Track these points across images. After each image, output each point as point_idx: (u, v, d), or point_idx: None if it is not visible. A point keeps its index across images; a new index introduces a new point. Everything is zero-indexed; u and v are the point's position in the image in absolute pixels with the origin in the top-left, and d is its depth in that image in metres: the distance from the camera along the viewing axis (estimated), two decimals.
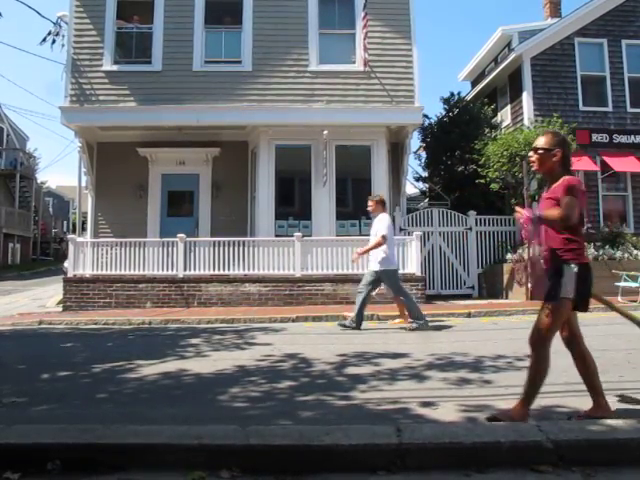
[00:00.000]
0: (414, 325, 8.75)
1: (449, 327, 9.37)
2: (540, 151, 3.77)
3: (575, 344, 3.84)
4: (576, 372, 5.40)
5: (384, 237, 8.85)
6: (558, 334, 3.85)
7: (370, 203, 9.42)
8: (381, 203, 9.34)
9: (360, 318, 8.86)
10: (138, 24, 14.36)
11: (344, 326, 8.89)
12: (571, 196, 3.55)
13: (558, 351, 6.36)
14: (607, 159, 15.08)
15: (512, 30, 18.07)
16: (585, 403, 4.15)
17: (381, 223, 9.06)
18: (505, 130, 16.35)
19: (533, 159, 3.85)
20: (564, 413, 3.96)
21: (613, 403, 4.06)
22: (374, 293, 9.47)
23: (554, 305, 3.67)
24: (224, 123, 13.87)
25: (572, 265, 3.63)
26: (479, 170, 14.55)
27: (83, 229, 17.99)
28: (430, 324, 9.01)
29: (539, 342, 3.68)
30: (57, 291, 14.84)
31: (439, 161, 16.96)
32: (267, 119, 13.56)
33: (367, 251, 9.29)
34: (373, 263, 9.11)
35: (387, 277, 9.02)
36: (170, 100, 13.53)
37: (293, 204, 14.48)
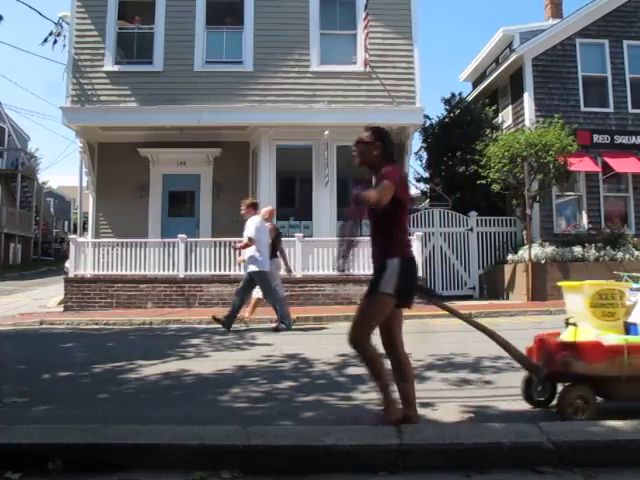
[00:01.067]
0: (282, 326, 8.99)
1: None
2: (361, 144, 3.77)
3: (393, 351, 3.66)
4: None
5: (250, 239, 9.10)
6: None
7: (242, 207, 9.67)
8: (252, 206, 9.60)
9: (232, 319, 9.13)
10: (139, 24, 14.37)
11: (219, 321, 9.13)
12: (389, 180, 3.43)
13: None
14: (608, 160, 15.06)
15: (513, 31, 18.03)
16: None
17: (249, 226, 9.29)
18: (506, 131, 16.32)
19: (355, 152, 3.83)
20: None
21: None
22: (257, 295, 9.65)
23: (373, 298, 3.57)
24: (225, 123, 13.86)
25: (395, 260, 3.54)
26: (480, 171, 14.53)
27: (84, 229, 18.02)
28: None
29: (358, 340, 3.51)
30: (58, 291, 14.84)
31: (440, 162, 16.94)
32: (268, 119, 13.55)
33: (238, 250, 9.80)
34: (248, 265, 9.36)
35: (258, 278, 9.20)
36: (171, 100, 13.53)
37: (294, 204, 14.48)
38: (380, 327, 3.63)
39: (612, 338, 3.94)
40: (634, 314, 4.11)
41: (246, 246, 9.19)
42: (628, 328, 4.10)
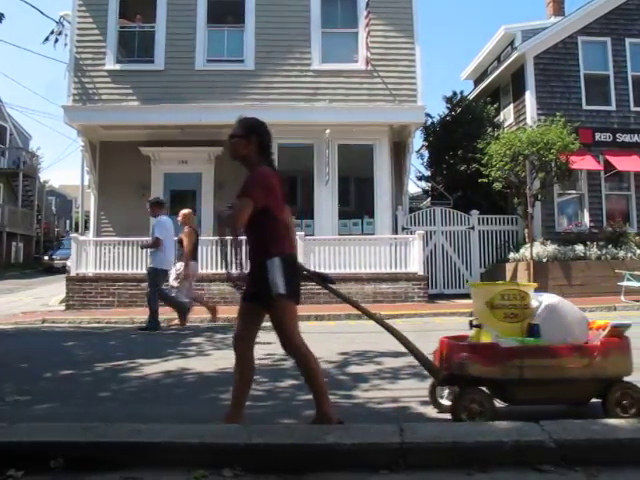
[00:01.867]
0: (144, 326, 9.27)
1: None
2: (234, 138, 3.59)
3: (243, 346, 3.60)
4: None
5: (157, 239, 9.23)
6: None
7: (147, 206, 9.79)
8: (157, 205, 9.67)
9: (154, 321, 9.28)
10: (141, 23, 14.38)
11: (143, 329, 9.24)
12: (245, 199, 3.34)
13: None
14: (610, 158, 15.04)
15: (515, 29, 18.01)
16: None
17: (156, 225, 9.43)
18: (508, 129, 16.30)
19: (230, 147, 3.65)
20: (565, 412, 3.94)
21: None
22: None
23: (274, 307, 3.44)
24: (227, 122, 13.71)
25: (275, 260, 3.39)
26: (482, 169, 14.52)
27: (86, 228, 17.99)
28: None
29: (290, 346, 3.47)
30: (60, 290, 14.86)
31: (442, 160, 16.93)
32: (269, 118, 13.22)
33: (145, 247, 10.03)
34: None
35: (151, 275, 9.38)
36: (172, 99, 13.52)
37: (295, 203, 14.46)
38: (241, 319, 3.61)
39: (509, 340, 3.83)
40: (537, 316, 3.95)
41: (152, 245, 9.36)
42: (531, 330, 3.95)
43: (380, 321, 3.90)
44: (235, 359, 3.64)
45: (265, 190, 3.38)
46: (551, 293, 4.24)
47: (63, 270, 24.18)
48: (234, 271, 3.53)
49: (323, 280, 3.89)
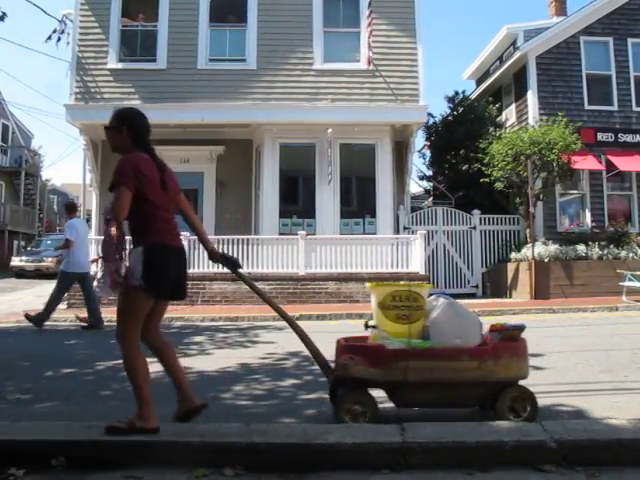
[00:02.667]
0: (36, 325, 9.34)
1: None
2: (109, 130, 3.52)
3: (147, 342, 3.53)
4: (580, 371, 5.41)
5: (67, 240, 9.26)
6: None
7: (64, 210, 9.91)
8: (69, 208, 9.91)
9: (44, 317, 9.42)
10: (143, 22, 14.38)
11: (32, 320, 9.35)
12: (120, 187, 3.25)
13: (563, 351, 6.37)
14: (612, 158, 15.02)
15: (517, 29, 17.98)
16: (590, 402, 4.15)
17: (67, 227, 9.48)
18: (510, 129, 16.30)
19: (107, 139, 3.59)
20: (567, 412, 3.95)
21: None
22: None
23: (123, 292, 3.36)
24: (228, 121, 13.87)
25: (138, 249, 3.32)
26: (483, 169, 14.51)
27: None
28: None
29: (120, 337, 3.35)
30: None
31: (443, 160, 16.92)
32: (272, 117, 13.55)
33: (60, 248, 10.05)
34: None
35: (59, 277, 9.45)
36: (175, 98, 13.53)
37: (297, 202, 14.48)
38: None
39: (395, 342, 3.76)
40: (428, 317, 3.89)
41: (63, 247, 9.46)
42: (428, 331, 3.91)
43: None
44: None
45: (133, 175, 3.29)
46: (446, 295, 4.10)
47: (42, 274, 22.33)
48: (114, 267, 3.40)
49: (232, 265, 3.82)
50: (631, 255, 13.72)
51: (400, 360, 3.64)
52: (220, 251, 3.81)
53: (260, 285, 12.84)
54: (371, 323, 4.07)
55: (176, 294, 3.53)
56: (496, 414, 3.61)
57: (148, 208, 3.33)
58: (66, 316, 11.02)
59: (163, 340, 3.61)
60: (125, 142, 3.44)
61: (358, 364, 3.66)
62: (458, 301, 4.03)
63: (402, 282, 4.20)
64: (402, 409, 3.84)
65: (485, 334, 3.91)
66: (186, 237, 12.80)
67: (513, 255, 14.24)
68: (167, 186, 3.43)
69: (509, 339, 3.76)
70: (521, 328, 3.81)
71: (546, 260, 13.41)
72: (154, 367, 5.93)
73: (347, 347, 3.81)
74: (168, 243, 3.39)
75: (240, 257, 12.84)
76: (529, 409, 3.61)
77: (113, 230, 3.42)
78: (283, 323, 9.32)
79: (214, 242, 14.04)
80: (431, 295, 4.10)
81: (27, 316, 9.44)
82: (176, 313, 10.92)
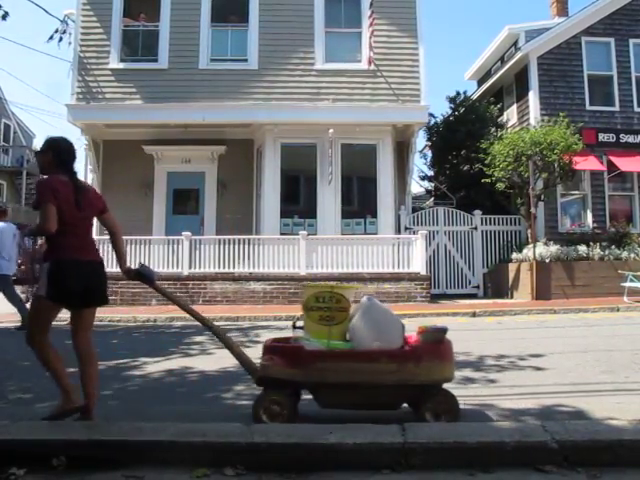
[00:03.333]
0: (18, 325, 9.20)
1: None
2: (37, 154, 3.99)
3: (75, 345, 3.97)
4: (581, 372, 5.41)
5: None
6: None
7: None
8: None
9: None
10: (145, 22, 14.39)
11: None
12: (44, 204, 3.61)
13: (564, 352, 6.37)
14: (614, 159, 15.01)
15: (519, 29, 17.98)
16: (591, 403, 4.15)
17: None
18: (511, 129, 16.29)
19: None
20: (568, 413, 3.95)
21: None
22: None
23: (33, 300, 3.96)
24: (230, 121, 13.88)
25: (45, 264, 3.73)
26: (485, 169, 14.50)
27: None
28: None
29: (29, 340, 3.81)
30: None
31: (445, 160, 16.91)
32: (273, 117, 13.56)
33: None
34: None
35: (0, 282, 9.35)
36: (176, 98, 13.55)
37: (298, 202, 14.48)
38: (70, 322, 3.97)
39: (314, 343, 3.77)
40: (353, 320, 3.85)
41: None
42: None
43: (207, 324, 4.16)
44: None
45: (51, 193, 3.66)
46: (370, 297, 4.03)
47: None
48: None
49: (148, 280, 4.10)
50: (632, 256, 13.70)
51: (318, 361, 3.67)
52: (135, 267, 4.10)
53: (261, 285, 12.92)
54: (299, 324, 4.08)
55: (91, 302, 3.96)
56: (417, 417, 3.59)
57: (60, 225, 3.65)
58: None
59: (88, 348, 3.96)
60: (49, 165, 3.86)
61: (277, 365, 3.70)
62: (380, 303, 3.96)
63: (331, 283, 4.21)
64: (327, 411, 3.82)
65: (415, 336, 3.88)
66: (188, 237, 12.85)
67: (514, 255, 14.23)
68: (82, 206, 3.79)
69: (432, 341, 3.74)
70: (444, 330, 3.79)
71: (547, 261, 13.40)
72: (156, 367, 5.95)
73: (269, 347, 3.85)
74: (76, 258, 3.74)
75: (241, 257, 12.86)
76: (451, 413, 3.59)
77: (41, 242, 3.88)
78: (284, 323, 9.36)
79: (215, 242, 14.09)
80: (363, 297, 4.05)
81: (19, 329, 9.27)
82: (177, 313, 10.92)
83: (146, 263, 12.69)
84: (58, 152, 3.89)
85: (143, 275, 4.03)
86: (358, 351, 3.73)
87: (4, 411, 4.19)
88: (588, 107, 15.52)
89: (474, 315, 10.75)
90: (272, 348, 3.84)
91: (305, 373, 3.65)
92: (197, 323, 4.29)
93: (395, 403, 3.78)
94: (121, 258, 4.13)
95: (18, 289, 10.23)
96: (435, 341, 3.74)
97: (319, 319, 3.87)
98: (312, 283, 4.14)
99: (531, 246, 13.47)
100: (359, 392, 3.67)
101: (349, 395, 3.69)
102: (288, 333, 8.47)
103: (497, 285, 14.72)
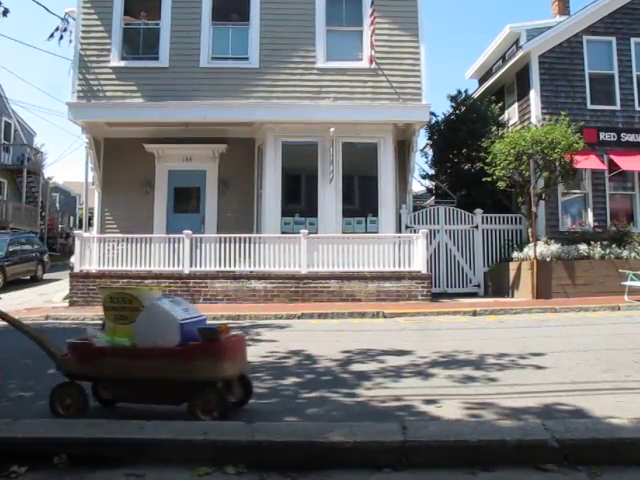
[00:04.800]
0: None
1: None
2: None
3: None
4: (582, 371, 5.41)
5: None
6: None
7: None
8: None
9: None
10: (145, 20, 14.37)
11: None
12: None
13: (565, 351, 6.37)
14: (615, 158, 14.99)
15: (520, 28, 17.95)
16: (591, 401, 4.15)
17: None
18: (512, 128, 16.27)
19: None
20: (569, 412, 3.95)
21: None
22: None
23: None
24: (231, 120, 13.87)
25: None
26: (486, 168, 14.49)
27: (90, 225, 18.05)
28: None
29: None
30: (63, 286, 14.90)
31: (446, 159, 16.90)
32: (274, 116, 13.55)
33: None
34: None
35: None
36: (177, 96, 13.53)
37: (299, 201, 14.47)
38: None
39: (101, 340, 4.06)
40: (136, 320, 4.06)
41: None
42: None
43: (16, 324, 4.31)
44: None
45: None
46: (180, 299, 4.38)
47: None
48: None
49: None
50: (633, 255, 13.69)
51: (101, 357, 3.95)
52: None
53: (261, 284, 12.93)
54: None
55: None
56: (189, 412, 3.75)
57: None
58: (67, 314, 11.04)
59: None
60: None
61: (71, 360, 4.01)
62: (162, 305, 4.10)
63: (135, 284, 4.58)
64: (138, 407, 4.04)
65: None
66: (188, 236, 12.85)
67: (515, 254, 14.22)
68: None
69: (207, 340, 3.87)
70: (215, 330, 3.93)
71: (548, 259, 13.39)
72: None
73: (68, 344, 4.13)
74: None
75: (242, 255, 12.86)
76: (219, 410, 3.72)
77: None
78: (285, 322, 9.36)
79: (216, 240, 14.11)
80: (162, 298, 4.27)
81: None
82: None
83: (147, 261, 12.83)
84: None
85: None
86: (134, 348, 3.97)
87: (5, 409, 4.20)
88: (589, 106, 15.50)
89: (475, 314, 10.75)
90: (70, 345, 4.12)
91: (91, 368, 3.95)
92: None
93: (175, 398, 3.96)
94: None
95: None
96: (211, 340, 3.89)
97: (114, 318, 4.17)
98: (134, 287, 4.46)
99: (532, 245, 13.46)
100: (142, 387, 3.93)
101: (131, 389, 3.98)
102: (289, 332, 8.51)
103: (498, 284, 14.71)
